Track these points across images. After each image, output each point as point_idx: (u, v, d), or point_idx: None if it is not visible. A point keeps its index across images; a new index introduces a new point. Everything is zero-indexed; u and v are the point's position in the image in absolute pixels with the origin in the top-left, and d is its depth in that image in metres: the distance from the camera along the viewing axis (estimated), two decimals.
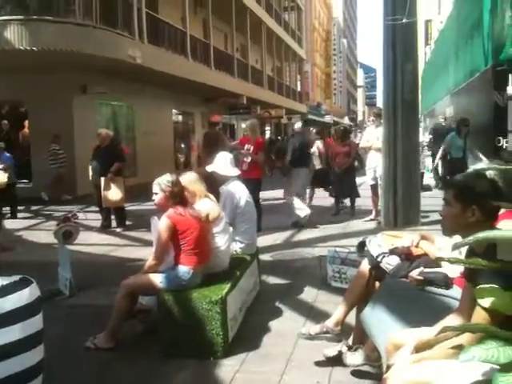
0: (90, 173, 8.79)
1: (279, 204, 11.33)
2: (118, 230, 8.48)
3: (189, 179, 3.93)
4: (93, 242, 7.71)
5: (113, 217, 8.76)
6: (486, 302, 1.67)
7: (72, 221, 5.75)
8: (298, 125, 9.95)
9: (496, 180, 2.23)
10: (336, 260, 4.96)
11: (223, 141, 6.92)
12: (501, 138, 7.56)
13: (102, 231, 8.58)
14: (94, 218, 9.11)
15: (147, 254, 4.29)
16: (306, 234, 7.82)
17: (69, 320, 4.34)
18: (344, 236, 7.40)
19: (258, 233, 6.93)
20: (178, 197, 3.70)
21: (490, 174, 2.28)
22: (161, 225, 3.65)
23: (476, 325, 1.73)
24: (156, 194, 3.74)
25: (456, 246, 1.73)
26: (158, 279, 3.65)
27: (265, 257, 6.15)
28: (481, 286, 1.70)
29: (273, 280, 5.34)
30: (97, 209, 9.04)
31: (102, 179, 8.32)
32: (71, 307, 4.69)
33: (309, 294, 4.80)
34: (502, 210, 2.32)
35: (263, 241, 6.89)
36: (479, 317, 1.87)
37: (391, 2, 7.42)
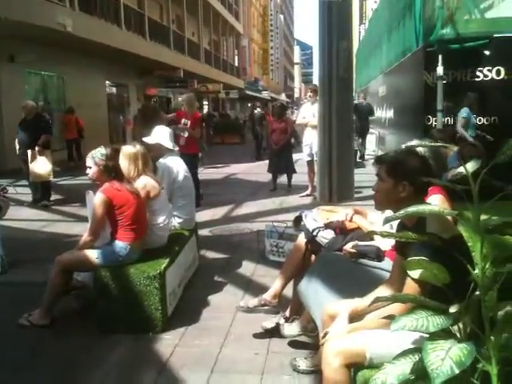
0: (17, 146, 8.42)
1: (218, 179, 11.39)
2: (42, 203, 8.19)
3: (128, 153, 3.82)
4: (24, 217, 7.44)
5: None
6: (416, 273, 1.76)
7: (1, 195, 5.50)
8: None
9: (426, 157, 2.35)
10: (274, 234, 5.05)
11: (160, 115, 6.80)
12: (430, 116, 7.86)
13: (34, 206, 8.27)
14: (25, 192, 8.76)
15: (82, 230, 4.20)
16: (245, 210, 7.89)
17: (1, 298, 4.18)
18: (281, 211, 7.53)
19: (197, 208, 6.94)
20: (114, 171, 3.62)
21: (420, 150, 2.39)
22: (96, 199, 3.57)
23: (406, 295, 1.83)
24: (90, 167, 3.64)
25: (387, 220, 1.81)
26: (93, 255, 3.58)
27: (204, 232, 6.17)
28: (411, 258, 1.80)
29: (212, 255, 5.38)
30: (27, 183, 8.71)
31: (29, 152, 8.00)
32: (3, 284, 4.52)
33: (247, 268, 4.87)
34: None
35: (202, 216, 6.90)
36: (409, 287, 1.97)
37: None
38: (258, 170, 10.56)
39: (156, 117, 6.15)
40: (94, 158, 3.64)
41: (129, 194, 3.59)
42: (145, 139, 4.63)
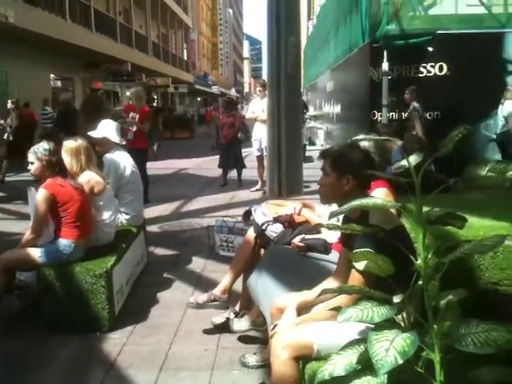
0: None
1: (168, 174, 11.24)
2: None
3: (70, 148, 3.70)
4: None
5: None
6: (361, 264, 1.79)
7: None
8: None
9: (369, 150, 2.39)
10: (223, 229, 5.03)
11: (106, 107, 6.62)
12: (376, 111, 8.03)
13: None
14: None
15: (25, 228, 4.04)
16: (195, 205, 7.83)
17: None
18: (231, 206, 7.53)
19: (146, 204, 6.83)
20: (57, 166, 3.50)
21: (363, 144, 2.42)
22: (39, 196, 3.44)
23: (352, 286, 1.86)
24: (32, 163, 3.51)
25: (333, 214, 1.82)
26: (36, 253, 3.46)
27: (153, 228, 6.09)
28: (355, 250, 1.82)
29: (161, 251, 5.30)
30: None
31: None
32: None
33: (197, 264, 4.83)
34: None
35: (151, 212, 6.79)
36: (355, 279, 2.01)
37: None
38: (208, 165, 10.51)
39: (102, 109, 5.98)
40: (37, 153, 3.51)
41: (73, 190, 3.48)
42: (90, 133, 4.49)
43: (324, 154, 2.34)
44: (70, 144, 3.69)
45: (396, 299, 1.81)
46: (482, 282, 2.27)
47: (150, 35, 27.02)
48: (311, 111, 20.16)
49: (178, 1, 34.72)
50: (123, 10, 24.01)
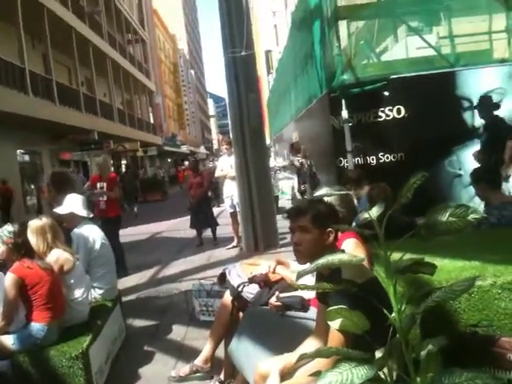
0: None
1: (143, 240, 11.10)
2: None
3: (35, 227, 3.63)
4: None
5: None
6: (336, 323, 1.76)
7: None
8: None
9: (333, 204, 2.41)
10: (202, 293, 4.93)
11: (71, 181, 6.57)
12: (342, 158, 8.16)
13: None
14: None
15: None
16: (172, 269, 7.69)
17: None
18: (209, 267, 7.40)
19: (125, 274, 6.73)
20: (24, 248, 3.42)
21: (327, 199, 2.45)
22: (7, 281, 3.34)
23: (329, 349, 1.82)
24: None
25: (299, 275, 1.80)
26: (9, 341, 3.33)
27: (130, 298, 5.93)
28: (330, 308, 1.80)
29: (139, 323, 5.14)
30: None
31: None
32: None
33: (178, 333, 4.70)
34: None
35: (127, 281, 6.66)
36: (333, 338, 1.97)
37: (229, 36, 7.77)
38: (184, 226, 10.40)
39: (68, 183, 5.94)
40: (1, 236, 3.44)
41: (41, 271, 3.39)
42: (56, 210, 4.43)
43: (296, 213, 2.31)
44: (34, 223, 3.63)
45: (378, 354, 1.78)
46: (460, 326, 2.26)
47: (114, 102, 27.30)
48: (279, 162, 20.43)
49: (140, 67, 35.44)
50: (85, 79, 24.32)
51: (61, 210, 4.47)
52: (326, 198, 2.42)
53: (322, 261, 1.72)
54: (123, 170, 29.77)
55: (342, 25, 8.77)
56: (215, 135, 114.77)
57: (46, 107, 17.08)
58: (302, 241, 2.25)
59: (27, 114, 15.09)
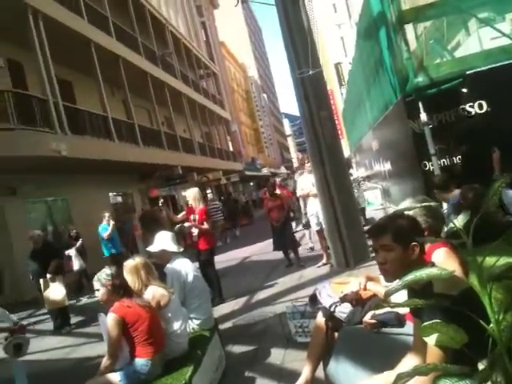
0: (31, 277, 8.55)
1: (234, 266, 11.30)
2: (64, 331, 8.15)
3: (130, 267, 3.83)
4: (48, 347, 7.35)
5: None
6: (432, 338, 1.70)
7: (19, 332, 5.44)
8: None
9: (415, 218, 2.32)
10: (296, 315, 4.91)
11: (159, 219, 6.86)
12: (426, 162, 7.90)
13: (56, 333, 8.19)
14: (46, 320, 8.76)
15: (104, 351, 4.10)
16: (265, 292, 7.75)
17: None
18: (301, 286, 7.38)
19: (221, 302, 6.86)
20: (122, 288, 3.61)
21: (408, 213, 2.37)
22: (109, 321, 3.52)
23: (427, 365, 1.74)
24: (98, 290, 3.63)
25: (388, 294, 1.76)
26: (116, 378, 3.49)
27: (227, 325, 6.04)
28: (424, 323, 1.73)
29: (238, 349, 5.21)
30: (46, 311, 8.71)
31: (41, 281, 8.10)
32: None
33: (276, 356, 4.70)
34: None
35: (223, 309, 6.79)
36: (432, 354, 1.89)
37: (295, 57, 7.84)
38: (270, 248, 10.50)
39: (154, 223, 6.20)
40: (100, 279, 3.64)
41: (140, 309, 3.55)
42: (149, 248, 4.65)
43: (376, 232, 2.26)
44: (128, 264, 3.82)
45: (481, 367, 1.69)
46: None
47: (194, 136, 28.28)
48: (362, 172, 20.09)
49: (214, 99, 36.53)
50: (165, 119, 25.44)
51: (152, 248, 4.68)
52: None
53: (409, 277, 1.67)
54: (209, 196, 30.60)
55: (409, 28, 8.58)
56: (294, 154, 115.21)
57: (130, 150, 18.04)
58: (386, 260, 2.19)
59: (115, 158, 16.01)
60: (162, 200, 9.78)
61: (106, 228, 11.84)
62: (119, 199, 21.69)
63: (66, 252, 11.81)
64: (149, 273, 3.86)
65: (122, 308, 3.51)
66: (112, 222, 11.85)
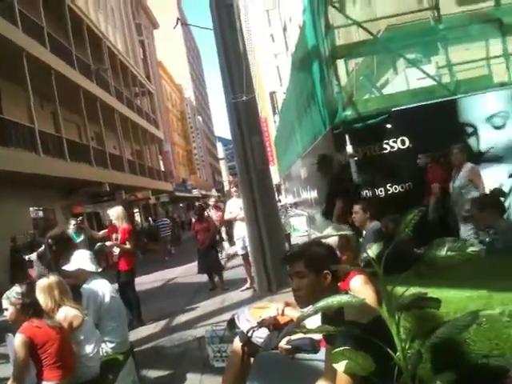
0: None
1: (156, 287, 11.05)
2: None
3: (42, 286, 3.64)
4: None
5: None
6: (341, 365, 1.72)
7: None
8: None
9: (332, 246, 2.38)
10: (214, 339, 4.84)
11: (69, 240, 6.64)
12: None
13: None
14: None
15: (10, 373, 3.86)
16: (187, 315, 7.63)
17: None
18: (224, 310, 7.33)
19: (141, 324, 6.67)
20: (32, 308, 3.42)
21: (326, 241, 2.43)
22: (16, 341, 3.32)
23: None
24: (6, 309, 3.42)
25: (299, 320, 1.78)
26: None
27: (145, 347, 5.87)
28: (335, 350, 1.76)
29: (154, 373, 5.07)
30: None
31: None
32: None
33: (192, 381, 4.64)
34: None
35: (141, 332, 6.61)
36: (341, 381, 1.92)
37: (230, 81, 7.92)
38: (196, 271, 10.38)
39: (67, 244, 5.98)
40: (10, 298, 3.44)
41: (50, 330, 3.37)
42: (64, 267, 4.45)
43: (291, 259, 2.30)
44: (41, 282, 3.64)
45: None
46: (472, 357, 2.19)
47: (124, 154, 27.70)
48: (290, 199, 20.45)
49: (148, 117, 36.08)
50: (95, 134, 24.79)
51: (68, 267, 4.49)
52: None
53: (321, 304, 1.70)
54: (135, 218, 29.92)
55: (340, 63, 8.92)
56: (226, 177, 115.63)
57: (56, 164, 17.38)
58: (299, 286, 2.22)
59: (39, 172, 15.37)
60: (81, 217, 9.39)
61: None
62: (40, 214, 20.75)
63: None
64: (62, 292, 3.68)
65: (31, 328, 3.33)
66: None
